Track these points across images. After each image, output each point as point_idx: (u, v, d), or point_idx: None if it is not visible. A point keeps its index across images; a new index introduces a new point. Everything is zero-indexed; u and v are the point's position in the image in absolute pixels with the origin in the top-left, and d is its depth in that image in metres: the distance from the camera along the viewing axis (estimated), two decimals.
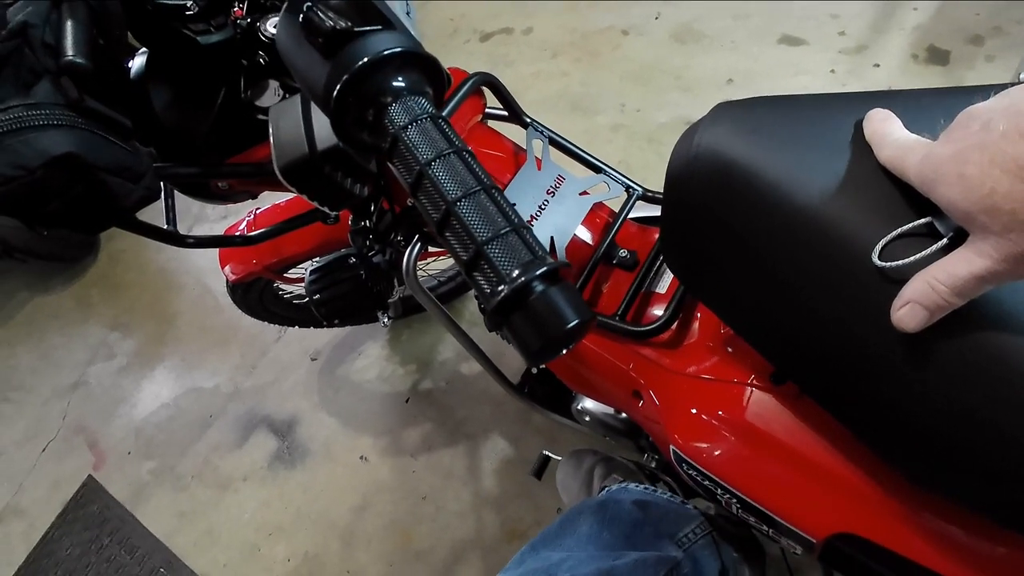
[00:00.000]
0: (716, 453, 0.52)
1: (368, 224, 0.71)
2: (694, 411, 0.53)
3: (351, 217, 0.73)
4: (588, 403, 0.84)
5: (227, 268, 1.00)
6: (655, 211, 0.72)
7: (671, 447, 0.56)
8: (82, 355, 1.76)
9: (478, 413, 1.35)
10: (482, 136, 0.70)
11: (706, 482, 0.55)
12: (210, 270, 1.81)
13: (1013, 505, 0.36)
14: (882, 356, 0.37)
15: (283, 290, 1.26)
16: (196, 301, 1.76)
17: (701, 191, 0.45)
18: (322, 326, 1.40)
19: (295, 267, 1.04)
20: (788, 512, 0.48)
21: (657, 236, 0.69)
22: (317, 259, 0.88)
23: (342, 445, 1.40)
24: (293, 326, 1.36)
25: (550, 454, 1.00)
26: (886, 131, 0.38)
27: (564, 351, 0.34)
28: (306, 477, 1.39)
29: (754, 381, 0.51)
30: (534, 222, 0.67)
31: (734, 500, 0.53)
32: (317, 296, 0.79)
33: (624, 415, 0.79)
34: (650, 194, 0.70)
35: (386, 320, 1.23)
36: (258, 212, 0.96)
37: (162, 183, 0.65)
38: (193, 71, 0.56)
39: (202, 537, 1.38)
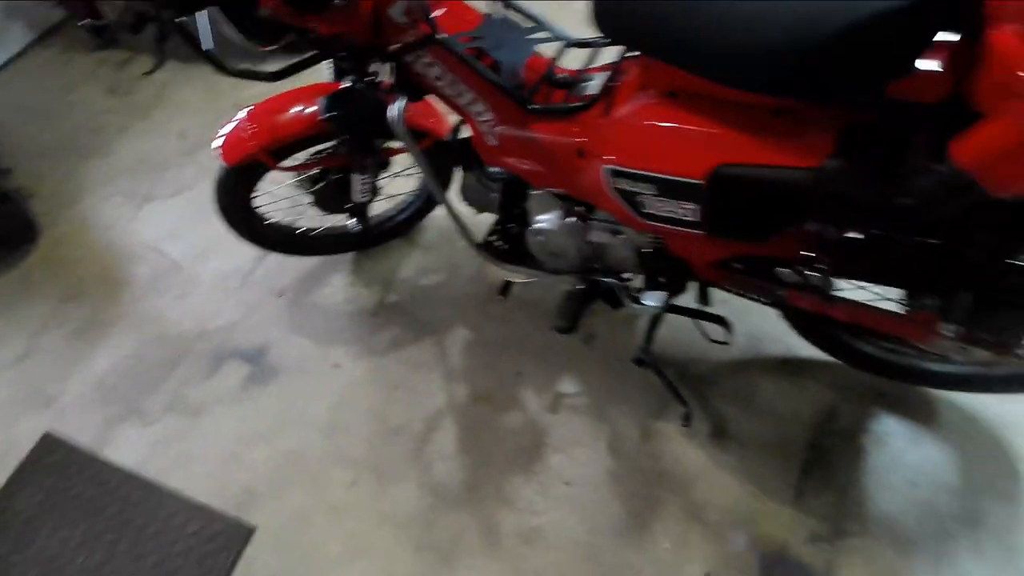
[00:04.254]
0: (635, 151, 0.78)
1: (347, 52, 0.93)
2: (630, 130, 0.80)
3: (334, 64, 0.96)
4: (541, 224, 1.08)
5: (224, 153, 1.17)
6: (583, 55, 1.00)
7: (607, 169, 0.82)
8: (30, 327, 1.75)
9: (441, 314, 1.54)
10: (454, 1, 0.96)
11: (628, 185, 0.80)
12: (165, 236, 1.90)
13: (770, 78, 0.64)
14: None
15: (260, 210, 1.42)
16: (152, 264, 1.83)
17: None
18: (292, 252, 1.55)
19: (290, 157, 1.22)
20: (681, 167, 0.75)
21: (577, 71, 0.97)
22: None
23: (314, 358, 1.52)
24: (263, 247, 1.50)
25: (512, 279, 1.21)
26: None
27: None
28: (281, 390, 1.49)
29: (654, 99, 0.79)
30: (498, 51, 0.93)
31: (649, 186, 0.79)
32: (334, 112, 0.99)
33: (574, 223, 1.03)
34: (577, 41, 0.99)
35: (354, 227, 1.42)
36: (254, 105, 1.15)
37: (209, 20, 0.85)
38: None
39: (178, 459, 1.42)
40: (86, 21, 2.38)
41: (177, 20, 0.80)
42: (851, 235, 0.85)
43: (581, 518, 1.19)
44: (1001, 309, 0.85)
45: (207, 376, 1.55)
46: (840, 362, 1.23)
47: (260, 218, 1.43)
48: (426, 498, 1.26)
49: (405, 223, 1.65)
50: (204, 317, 1.67)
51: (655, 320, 1.22)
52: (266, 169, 1.24)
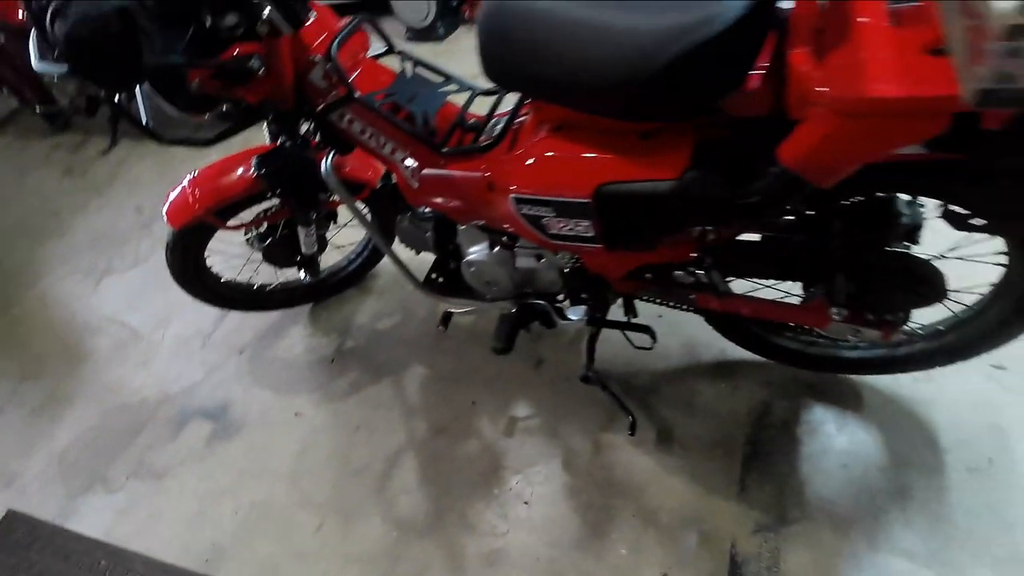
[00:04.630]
0: (533, 180, 0.88)
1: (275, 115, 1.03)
2: (527, 163, 0.90)
3: (268, 123, 1.06)
4: (472, 256, 1.17)
5: (170, 217, 1.24)
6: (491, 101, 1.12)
7: (512, 198, 0.91)
8: None
9: (396, 355, 1.60)
10: (370, 64, 1.07)
11: (532, 210, 0.90)
12: (124, 308, 1.94)
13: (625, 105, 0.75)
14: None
15: (214, 270, 1.48)
16: (112, 336, 1.86)
17: (494, 36, 0.85)
18: (251, 309, 1.61)
19: (234, 216, 1.30)
20: (571, 190, 0.85)
21: (485, 116, 1.09)
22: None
23: (276, 409, 1.56)
24: (222, 306, 1.56)
25: (452, 311, 1.29)
26: None
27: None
28: (245, 444, 1.51)
29: (545, 134, 0.89)
30: (412, 104, 1.04)
31: (548, 209, 0.88)
32: (263, 170, 1.07)
33: (501, 252, 1.12)
34: (484, 90, 1.10)
35: (306, 279, 1.49)
36: (198, 170, 1.24)
37: (144, 96, 0.94)
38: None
39: (144, 523, 1.43)
40: (40, 108, 2.47)
41: (115, 99, 0.89)
42: (736, 238, 0.95)
43: (541, 535, 1.22)
44: (880, 291, 0.95)
45: (171, 438, 1.57)
46: (768, 360, 1.32)
47: (215, 277, 1.49)
48: (391, 533, 1.28)
49: (357, 272, 1.72)
50: (166, 381, 1.70)
51: (593, 338, 1.30)
52: (213, 229, 1.32)
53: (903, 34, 0.64)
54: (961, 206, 0.78)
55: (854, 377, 1.31)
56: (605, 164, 0.83)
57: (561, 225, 0.90)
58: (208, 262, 1.45)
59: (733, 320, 1.21)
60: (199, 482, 1.47)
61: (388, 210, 1.35)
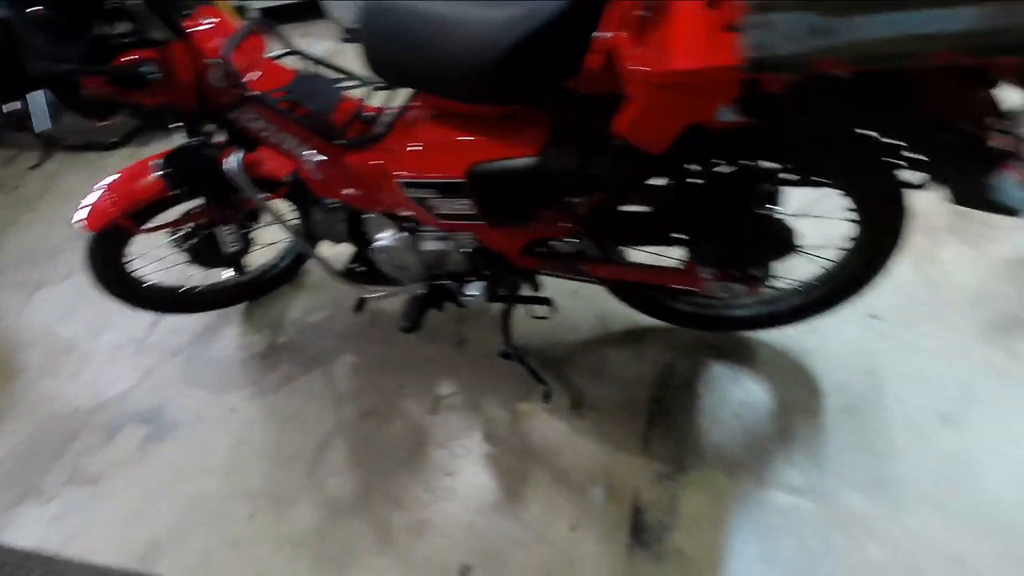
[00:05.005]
0: (415, 164, 0.96)
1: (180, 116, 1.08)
2: (410, 149, 0.97)
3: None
4: (380, 242, 1.23)
5: (88, 222, 1.27)
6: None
7: (400, 183, 0.98)
8: None
9: (326, 346, 1.65)
10: (268, 64, 1.13)
11: (418, 193, 0.97)
12: (57, 319, 1.94)
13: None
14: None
15: (137, 274, 1.51)
16: (45, 347, 1.86)
17: (373, 34, 0.92)
18: (182, 311, 1.64)
19: (149, 220, 1.33)
20: (447, 171, 0.93)
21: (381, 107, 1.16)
22: None
23: (210, 407, 1.59)
24: (151, 310, 1.58)
25: (366, 296, 1.35)
26: None
27: None
28: (179, 443, 1.54)
29: (426, 121, 0.97)
30: (310, 101, 1.10)
31: (431, 191, 0.96)
32: (166, 169, 1.12)
33: (406, 237, 1.19)
34: (380, 85, 1.18)
35: (233, 278, 1.54)
36: (119, 173, 1.28)
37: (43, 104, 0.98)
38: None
39: (78, 528, 1.44)
40: None
41: (6, 107, 0.93)
42: (616, 210, 1.04)
43: (464, 502, 1.30)
44: (742, 249, 1.06)
45: (104, 445, 1.59)
46: (672, 325, 1.42)
47: (137, 281, 1.52)
48: (320, 514, 1.34)
49: (289, 269, 1.77)
50: (99, 389, 1.72)
51: (506, 315, 1.39)
52: (130, 233, 1.35)
53: (712, 15, 0.73)
54: (776, 163, 0.89)
55: (749, 334, 1.43)
56: (476, 146, 0.91)
57: (446, 205, 0.98)
58: (132, 266, 1.48)
59: (632, 289, 1.31)
60: (134, 484, 1.49)
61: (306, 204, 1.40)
